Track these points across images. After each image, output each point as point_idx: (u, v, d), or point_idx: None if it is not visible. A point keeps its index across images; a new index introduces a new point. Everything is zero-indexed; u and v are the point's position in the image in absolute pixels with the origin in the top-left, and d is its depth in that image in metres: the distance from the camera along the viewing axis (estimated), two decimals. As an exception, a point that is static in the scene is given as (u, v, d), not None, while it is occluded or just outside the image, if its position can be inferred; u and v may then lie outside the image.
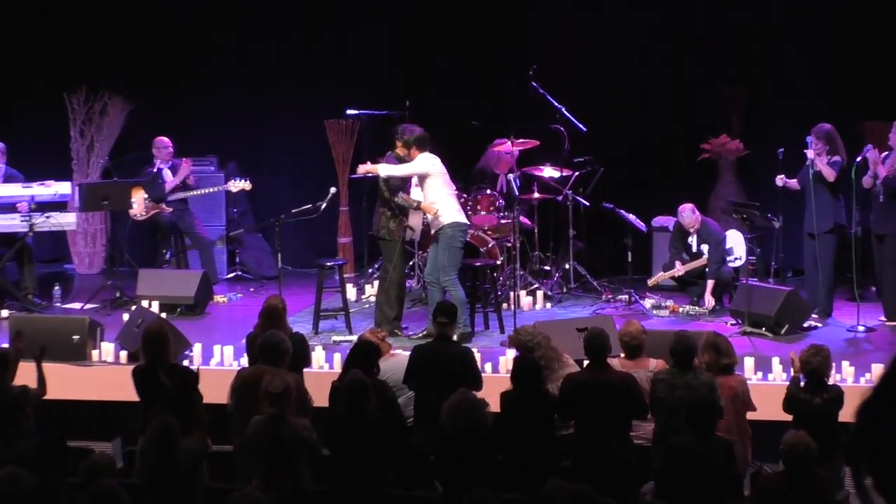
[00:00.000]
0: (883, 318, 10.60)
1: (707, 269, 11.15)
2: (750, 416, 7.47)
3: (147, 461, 6.38)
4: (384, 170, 10.06)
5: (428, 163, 10.07)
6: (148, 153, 12.63)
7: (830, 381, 7.53)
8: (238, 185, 12.34)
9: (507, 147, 11.88)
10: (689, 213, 11.21)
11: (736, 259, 11.39)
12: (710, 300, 11.08)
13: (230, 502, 5.59)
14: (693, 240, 11.31)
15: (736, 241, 11.41)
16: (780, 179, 10.65)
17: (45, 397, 7.80)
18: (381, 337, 8.21)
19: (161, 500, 6.26)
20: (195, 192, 12.38)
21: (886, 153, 10.43)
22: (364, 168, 10.20)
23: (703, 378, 7.20)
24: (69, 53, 13.59)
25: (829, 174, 10.42)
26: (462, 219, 10.23)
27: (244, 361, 8.70)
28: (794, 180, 10.66)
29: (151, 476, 6.30)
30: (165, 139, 12.35)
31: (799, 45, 12.67)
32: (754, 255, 11.72)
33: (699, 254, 11.26)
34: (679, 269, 11.24)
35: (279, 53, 13.74)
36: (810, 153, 10.42)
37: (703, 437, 6.60)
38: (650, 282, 11.50)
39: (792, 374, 7.53)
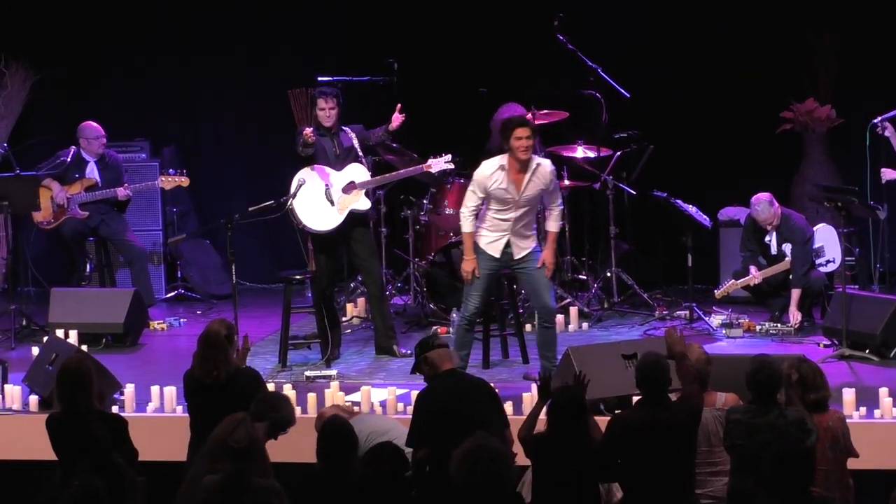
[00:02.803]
0: None
1: (791, 276, 11.18)
2: (851, 463, 7.47)
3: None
4: None
5: None
6: (59, 138, 12.66)
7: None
8: (171, 180, 12.36)
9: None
10: (765, 206, 11.22)
11: (828, 261, 11.40)
12: (796, 315, 11.10)
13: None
14: (772, 238, 11.33)
15: (828, 238, 11.42)
16: (885, 173, 10.66)
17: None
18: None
19: None
20: (106, 193, 12.32)
21: None
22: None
23: (792, 416, 7.19)
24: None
25: None
26: None
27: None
28: None
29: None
30: (95, 125, 12.36)
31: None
32: (853, 255, 11.72)
33: (780, 256, 11.28)
34: (755, 277, 11.26)
35: (224, 4, 13.78)
36: (889, 130, 10.47)
37: (796, 500, 6.56)
38: (718, 293, 11.52)
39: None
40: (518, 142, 9.64)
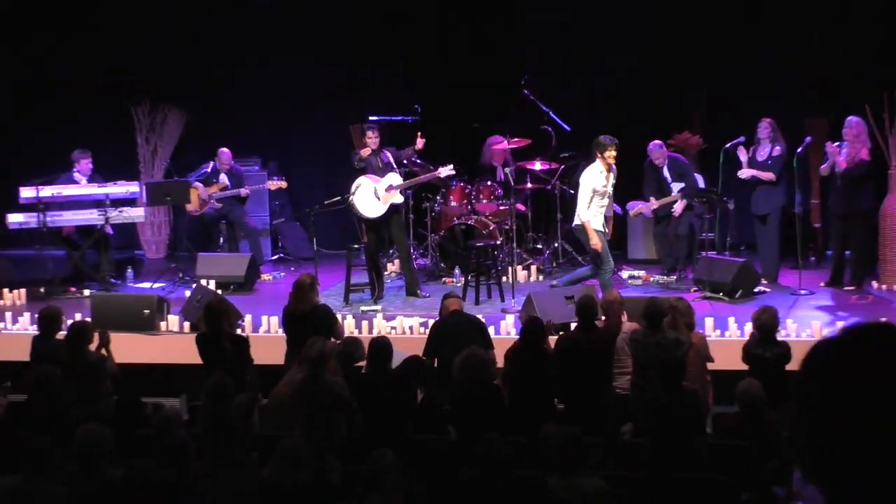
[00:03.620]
0: (822, 283, 10.65)
1: (685, 195, 11.09)
2: (709, 366, 7.51)
3: (205, 413, 6.38)
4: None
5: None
6: (202, 156, 12.68)
7: (779, 338, 7.56)
8: (276, 184, 12.47)
9: (504, 145, 11.93)
10: (657, 148, 11.19)
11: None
12: (680, 207, 11.04)
13: (279, 447, 5.62)
14: (667, 174, 11.24)
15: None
16: (744, 172, 10.70)
17: (122, 361, 7.88)
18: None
19: (217, 446, 6.24)
20: (233, 192, 12.33)
21: (837, 143, 10.41)
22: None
23: (671, 336, 7.24)
24: (131, 70, 13.62)
25: (744, 173, 10.62)
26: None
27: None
28: (757, 172, 10.68)
29: (209, 426, 6.28)
30: (227, 152, 12.37)
31: (751, 54, 12.65)
32: (713, 231, 11.73)
33: (668, 193, 11.21)
34: (653, 204, 11.18)
35: (309, 70, 13.75)
36: (742, 155, 10.52)
37: (674, 391, 6.61)
38: (632, 212, 11.40)
39: (747, 332, 7.56)
40: (612, 152, 9.68)
